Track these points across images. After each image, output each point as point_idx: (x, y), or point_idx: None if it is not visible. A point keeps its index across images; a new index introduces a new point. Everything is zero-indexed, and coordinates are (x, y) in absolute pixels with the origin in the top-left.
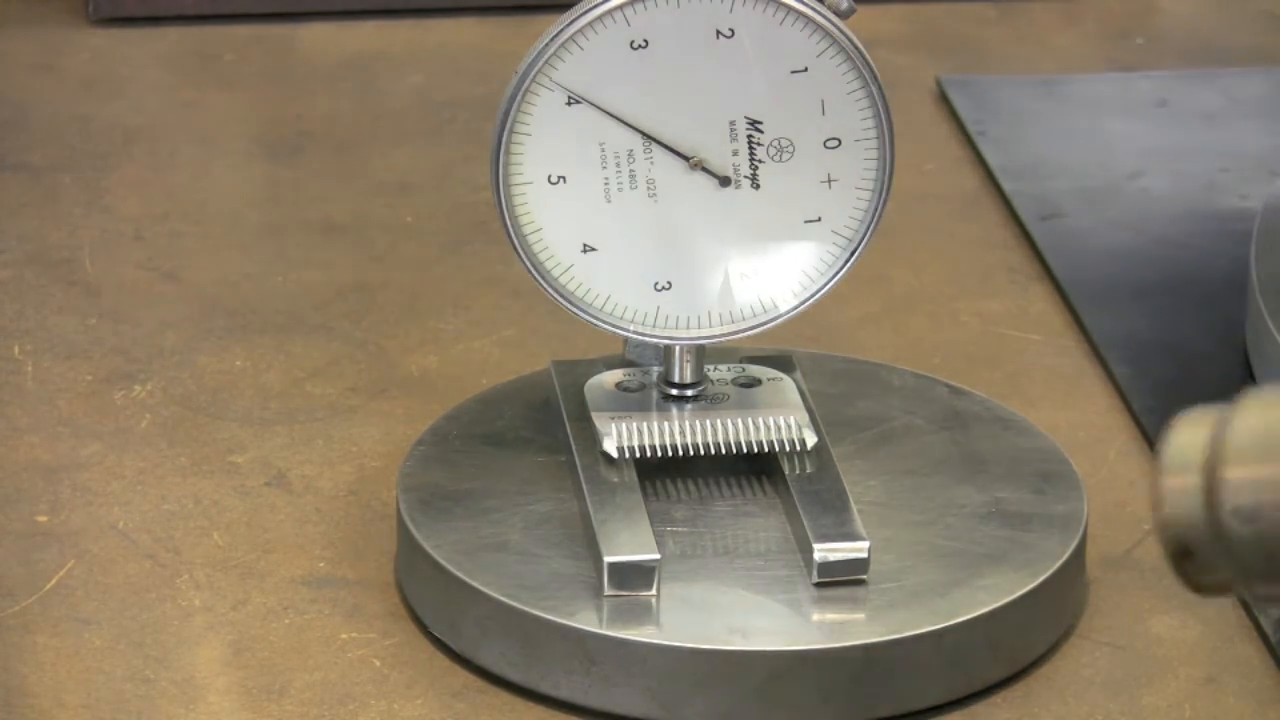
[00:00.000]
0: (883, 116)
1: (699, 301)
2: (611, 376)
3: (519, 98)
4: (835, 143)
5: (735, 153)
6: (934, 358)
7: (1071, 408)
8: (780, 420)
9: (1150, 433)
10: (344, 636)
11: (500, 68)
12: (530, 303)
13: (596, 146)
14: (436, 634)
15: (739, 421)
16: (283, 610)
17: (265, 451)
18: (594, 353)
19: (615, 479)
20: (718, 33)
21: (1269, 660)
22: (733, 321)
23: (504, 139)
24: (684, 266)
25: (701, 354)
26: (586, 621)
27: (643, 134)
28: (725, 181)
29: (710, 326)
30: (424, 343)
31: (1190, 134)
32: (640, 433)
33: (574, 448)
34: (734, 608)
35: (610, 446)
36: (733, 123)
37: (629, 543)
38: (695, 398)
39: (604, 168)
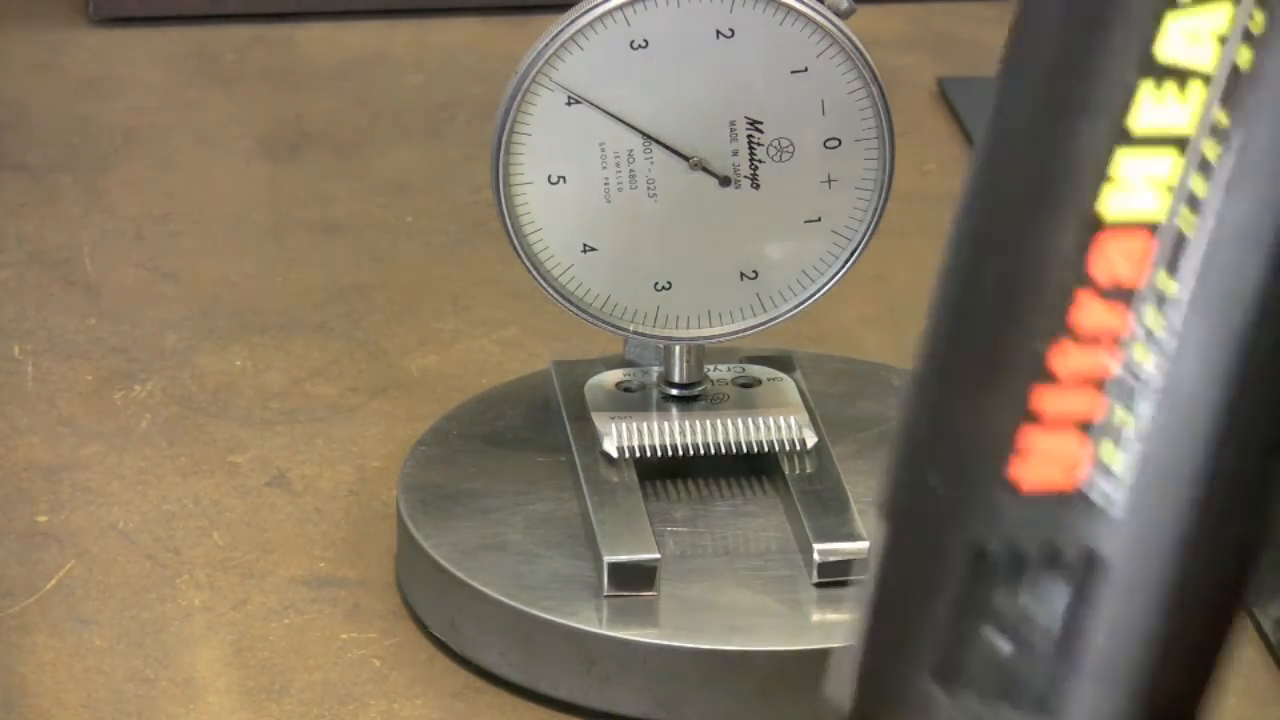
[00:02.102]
0: (883, 116)
1: (699, 301)
2: (611, 376)
3: (519, 98)
4: (835, 143)
5: (735, 153)
6: None
7: None
8: (780, 420)
9: None
10: (344, 636)
11: (500, 68)
12: (530, 303)
13: (596, 146)
14: (436, 634)
15: (739, 421)
16: (283, 610)
17: (265, 451)
18: (594, 353)
19: (615, 479)
20: (718, 33)
21: (1269, 660)
22: (733, 321)
23: (504, 139)
24: (684, 266)
25: (701, 354)
26: (586, 621)
27: (643, 134)
28: (725, 181)
29: (710, 326)
30: (424, 343)
31: None
32: (640, 433)
33: (574, 448)
34: (734, 608)
35: (610, 446)
36: (733, 123)
37: (629, 543)
38: (695, 398)
39: (604, 168)
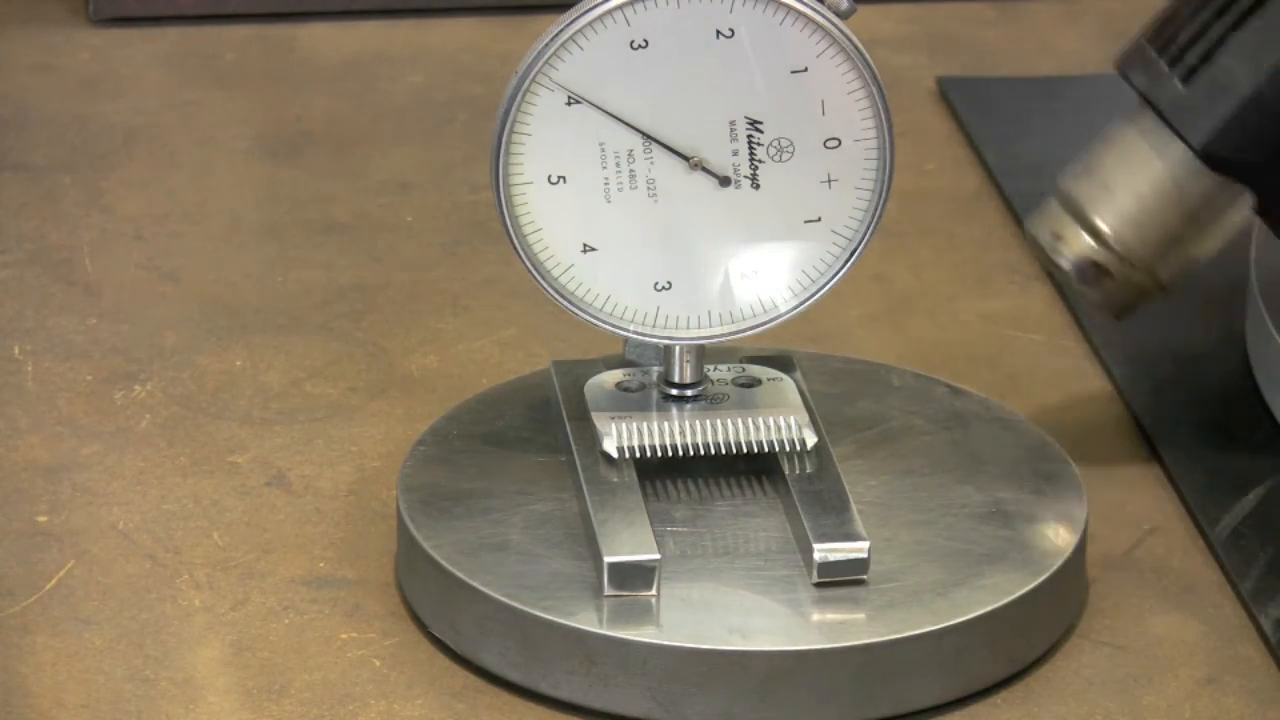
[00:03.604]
0: (883, 116)
1: (699, 301)
2: (611, 376)
3: (519, 98)
4: (835, 143)
5: (735, 153)
6: (934, 358)
7: (1071, 408)
8: (780, 420)
9: (1150, 433)
10: (344, 636)
11: (500, 68)
12: (530, 303)
13: (596, 146)
14: (436, 634)
15: (739, 421)
16: (283, 610)
17: (265, 451)
18: (594, 353)
19: (615, 479)
20: (718, 33)
21: (1269, 660)
22: (733, 321)
23: (504, 139)
24: (684, 266)
25: (701, 354)
26: (586, 621)
27: (643, 134)
28: (725, 181)
29: (710, 326)
30: (424, 343)
31: None
32: (640, 433)
33: (574, 448)
34: (734, 608)
35: (610, 446)
36: (733, 123)
37: (629, 543)
38: (695, 398)
39: (604, 168)
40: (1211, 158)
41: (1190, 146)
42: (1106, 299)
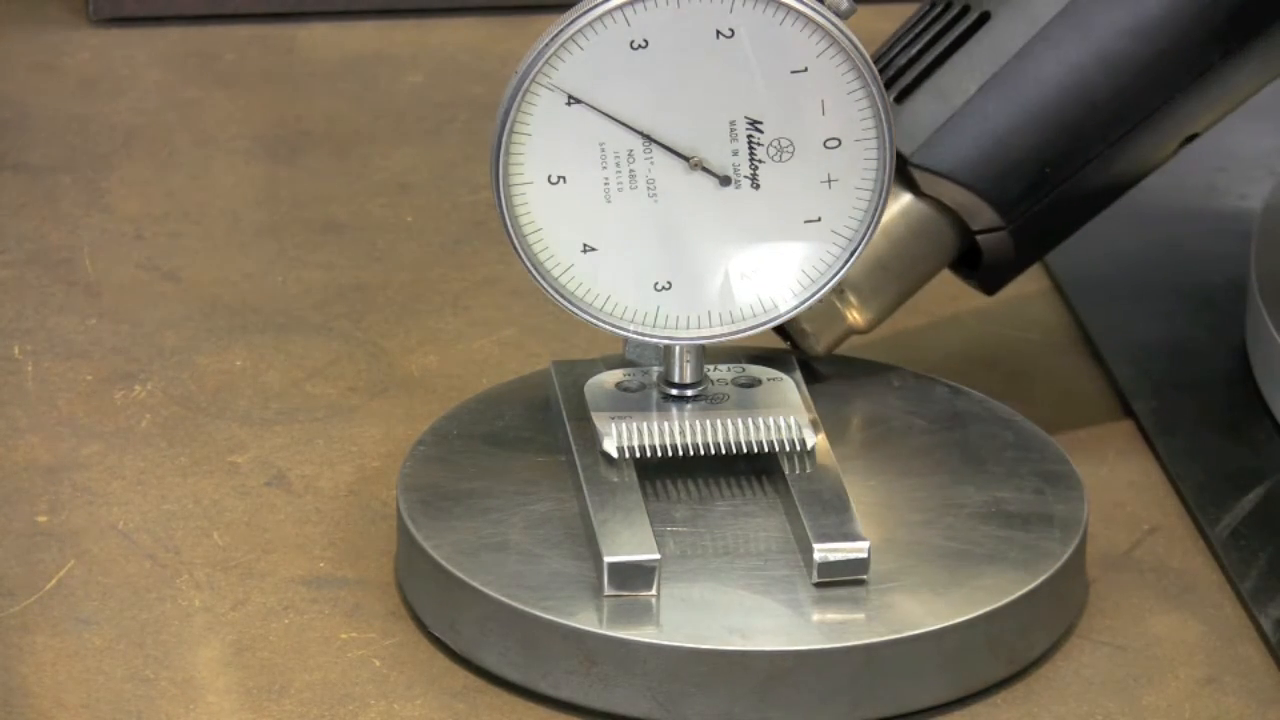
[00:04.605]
0: (883, 116)
1: (699, 301)
2: (611, 376)
3: (519, 98)
4: (835, 143)
5: (735, 153)
6: (934, 358)
7: (1071, 408)
8: (780, 420)
9: (1150, 433)
10: (344, 636)
11: (500, 68)
12: (530, 303)
13: (596, 146)
14: (436, 634)
15: (739, 421)
16: (283, 610)
17: (265, 451)
18: (594, 353)
19: (615, 479)
20: (718, 33)
21: (1269, 660)
22: (733, 321)
23: (504, 139)
24: (684, 266)
25: (701, 354)
26: (586, 621)
27: (642, 134)
28: (725, 181)
29: (710, 326)
30: (424, 343)
31: None
32: (640, 433)
33: (574, 448)
34: (734, 608)
35: (610, 446)
36: (733, 123)
37: (629, 543)
38: (695, 398)
39: (604, 168)
40: (921, 169)
41: (902, 159)
42: (814, 332)
